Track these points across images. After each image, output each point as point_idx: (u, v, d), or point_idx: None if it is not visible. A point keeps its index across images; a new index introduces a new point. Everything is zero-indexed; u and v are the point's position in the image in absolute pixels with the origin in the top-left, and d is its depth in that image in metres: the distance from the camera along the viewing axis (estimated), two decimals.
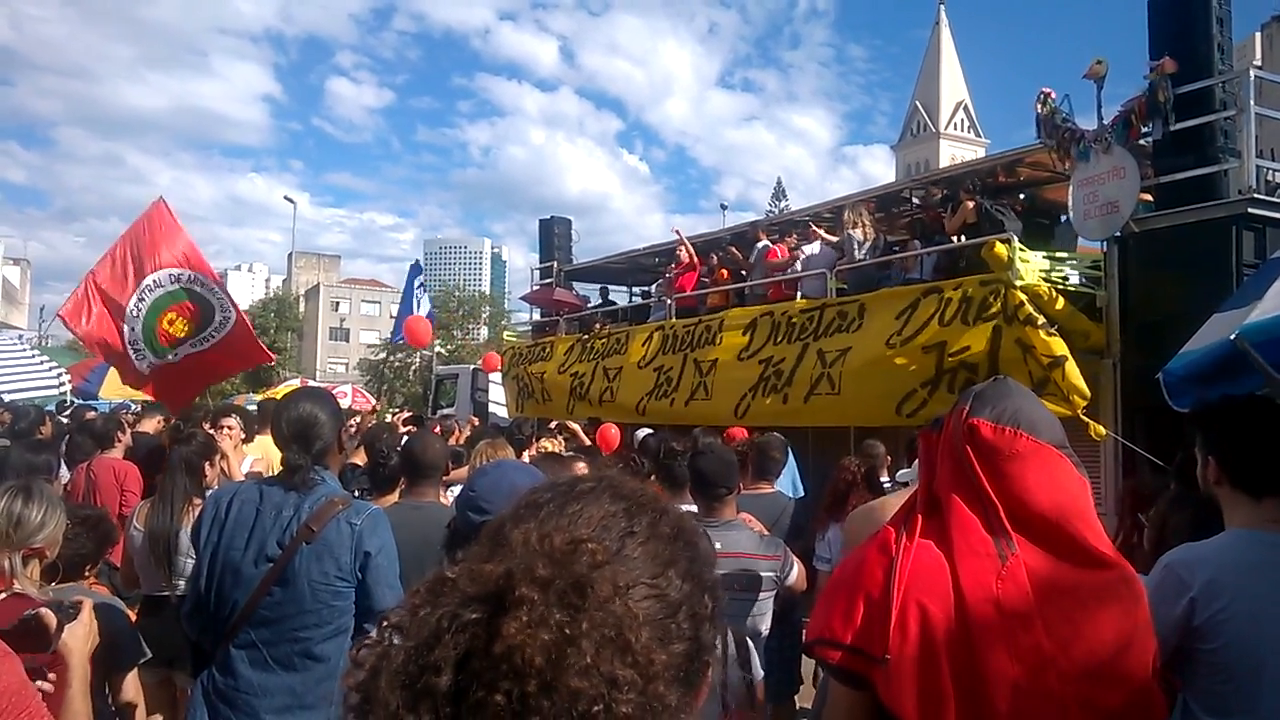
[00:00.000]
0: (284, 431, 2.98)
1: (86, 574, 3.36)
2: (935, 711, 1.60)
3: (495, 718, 0.70)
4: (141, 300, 8.05)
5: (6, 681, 1.81)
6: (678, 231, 12.94)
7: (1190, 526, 2.83)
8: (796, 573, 3.83)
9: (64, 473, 6.27)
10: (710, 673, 0.93)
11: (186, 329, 8.15)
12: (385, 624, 0.78)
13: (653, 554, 0.88)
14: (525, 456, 6.31)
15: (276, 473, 3.17)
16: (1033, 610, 1.62)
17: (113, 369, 16.99)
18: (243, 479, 5.22)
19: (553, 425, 9.56)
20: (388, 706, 0.72)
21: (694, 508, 4.32)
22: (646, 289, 14.69)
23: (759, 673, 2.95)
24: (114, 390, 15.65)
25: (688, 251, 12.33)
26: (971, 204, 8.94)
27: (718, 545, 3.68)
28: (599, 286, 15.74)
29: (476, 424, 8.93)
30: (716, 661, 0.95)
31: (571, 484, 0.97)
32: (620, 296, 16.06)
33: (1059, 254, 8.19)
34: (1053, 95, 7.73)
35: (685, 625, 0.86)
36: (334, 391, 25.37)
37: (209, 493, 3.25)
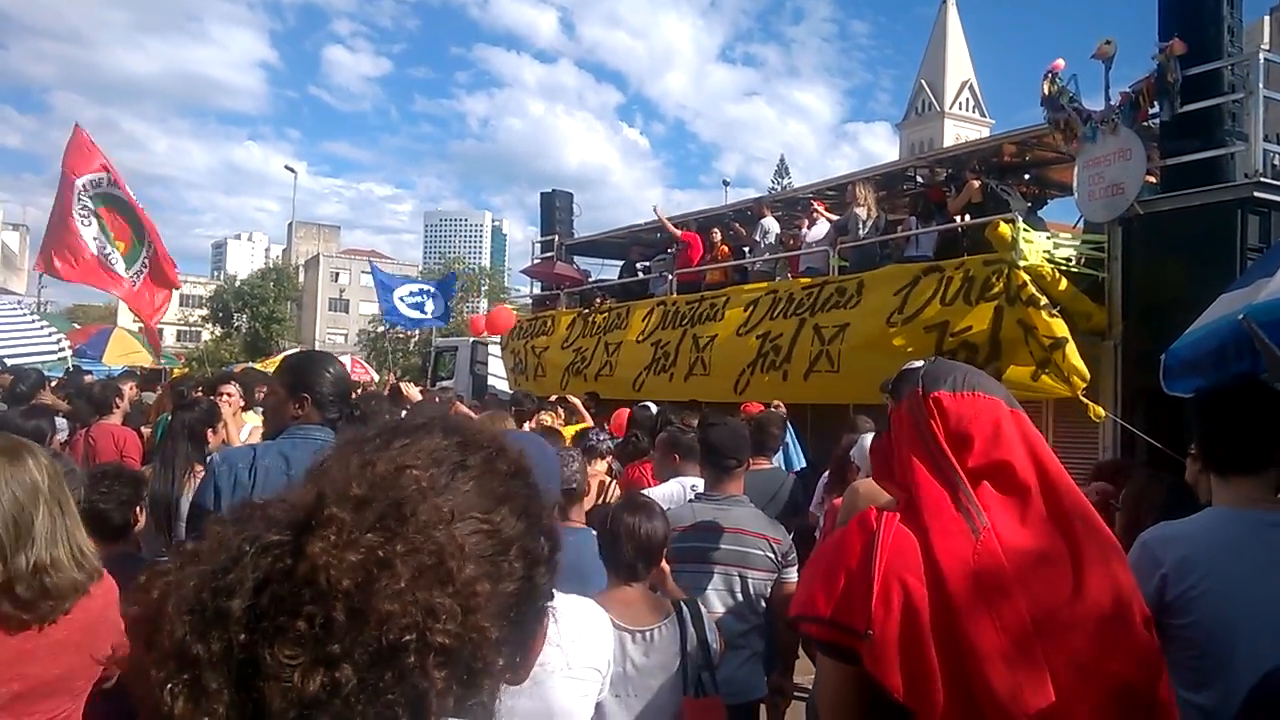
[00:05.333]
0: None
1: (134, 522, 3.40)
2: (921, 684, 1.61)
3: (296, 644, 0.64)
4: (83, 208, 9.34)
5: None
6: (656, 209, 13.16)
7: (1165, 505, 2.85)
8: (794, 579, 3.76)
9: (60, 437, 6.27)
10: (548, 621, 0.91)
11: (124, 248, 9.61)
12: (180, 549, 0.71)
13: (486, 489, 0.84)
14: (526, 429, 6.31)
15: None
16: (1011, 580, 1.64)
17: (114, 335, 17.04)
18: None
19: (553, 399, 9.51)
20: (173, 634, 0.66)
21: (695, 480, 4.34)
22: (648, 264, 14.62)
23: (716, 650, 2.95)
24: (118, 357, 15.65)
25: (672, 231, 12.54)
26: (977, 183, 8.91)
27: (719, 521, 3.70)
28: (623, 262, 15.27)
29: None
30: (552, 611, 0.92)
31: (399, 423, 0.91)
32: (613, 271, 15.78)
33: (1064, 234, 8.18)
34: (1061, 65, 7.62)
35: (518, 564, 0.82)
36: None
37: (216, 457, 3.20)
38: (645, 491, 4.48)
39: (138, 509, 3.40)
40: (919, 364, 1.92)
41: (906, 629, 1.63)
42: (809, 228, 10.79)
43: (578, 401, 9.17)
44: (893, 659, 1.62)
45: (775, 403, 8.29)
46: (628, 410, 9.40)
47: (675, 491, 4.42)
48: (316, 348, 55.91)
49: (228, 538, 0.70)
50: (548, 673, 1.94)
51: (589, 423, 8.06)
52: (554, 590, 0.92)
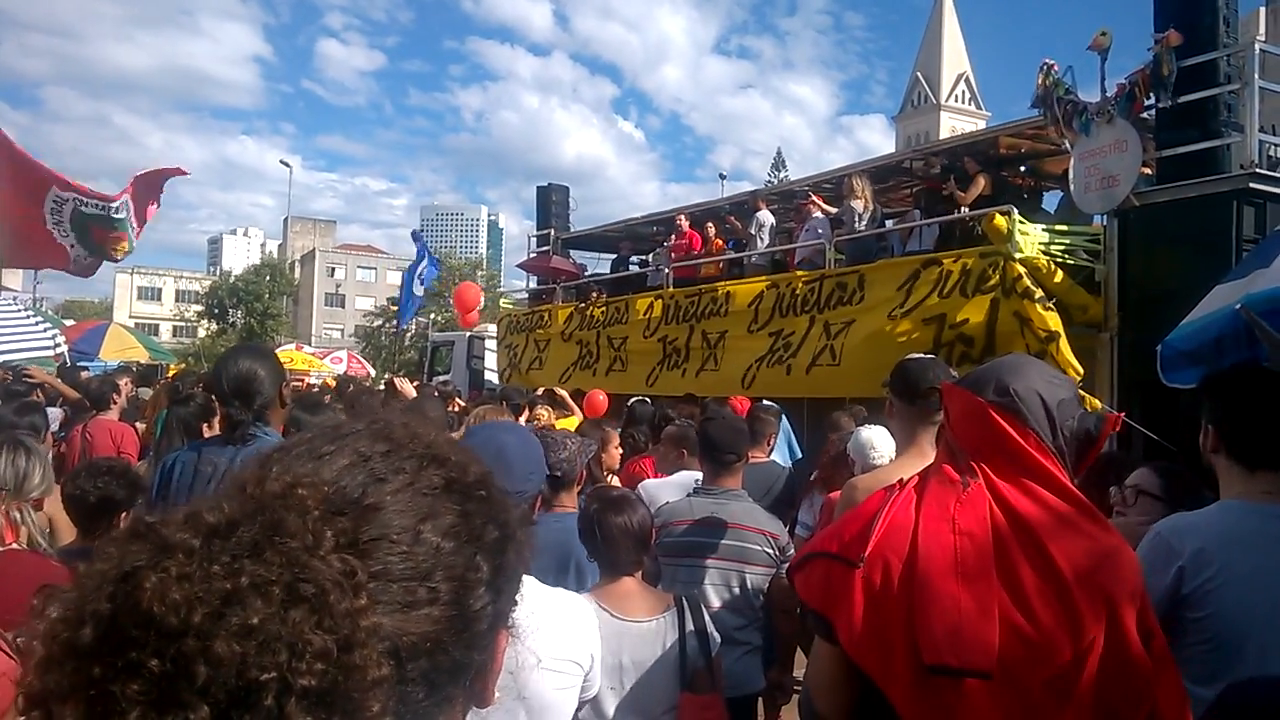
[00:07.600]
0: (224, 388, 2.96)
1: (117, 521, 3.33)
2: (890, 670, 1.67)
3: (149, 681, 0.60)
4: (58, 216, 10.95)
5: None
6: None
7: (1163, 496, 2.83)
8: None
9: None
10: (503, 641, 0.84)
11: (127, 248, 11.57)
12: (77, 571, 0.67)
13: (405, 506, 0.76)
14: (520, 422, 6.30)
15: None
16: (986, 535, 1.69)
17: (110, 331, 17.00)
18: None
19: (540, 392, 9.43)
20: (35, 663, 0.63)
21: (695, 472, 4.33)
22: (644, 257, 14.61)
23: (716, 644, 2.95)
24: (114, 352, 15.62)
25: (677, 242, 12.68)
26: (984, 178, 8.90)
27: (718, 516, 3.69)
28: (613, 255, 15.30)
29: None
30: (510, 632, 0.86)
31: (339, 425, 0.85)
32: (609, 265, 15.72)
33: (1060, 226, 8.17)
34: (1055, 67, 7.65)
35: (442, 588, 0.75)
36: (329, 357, 25.10)
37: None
38: (654, 482, 4.51)
39: (124, 514, 3.39)
40: (919, 356, 1.98)
41: (881, 613, 1.68)
42: (806, 227, 10.76)
43: (565, 394, 9.16)
44: (869, 642, 1.69)
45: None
46: (601, 393, 9.44)
47: (686, 483, 4.35)
48: (313, 343, 56.02)
49: (105, 560, 0.65)
50: (523, 666, 1.94)
51: (577, 416, 8.05)
52: (509, 614, 0.85)
